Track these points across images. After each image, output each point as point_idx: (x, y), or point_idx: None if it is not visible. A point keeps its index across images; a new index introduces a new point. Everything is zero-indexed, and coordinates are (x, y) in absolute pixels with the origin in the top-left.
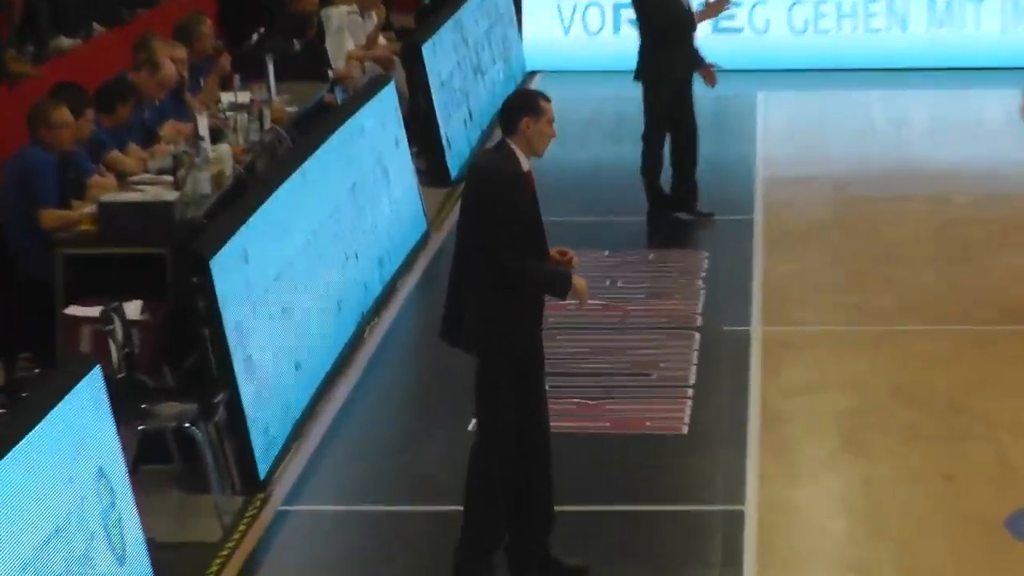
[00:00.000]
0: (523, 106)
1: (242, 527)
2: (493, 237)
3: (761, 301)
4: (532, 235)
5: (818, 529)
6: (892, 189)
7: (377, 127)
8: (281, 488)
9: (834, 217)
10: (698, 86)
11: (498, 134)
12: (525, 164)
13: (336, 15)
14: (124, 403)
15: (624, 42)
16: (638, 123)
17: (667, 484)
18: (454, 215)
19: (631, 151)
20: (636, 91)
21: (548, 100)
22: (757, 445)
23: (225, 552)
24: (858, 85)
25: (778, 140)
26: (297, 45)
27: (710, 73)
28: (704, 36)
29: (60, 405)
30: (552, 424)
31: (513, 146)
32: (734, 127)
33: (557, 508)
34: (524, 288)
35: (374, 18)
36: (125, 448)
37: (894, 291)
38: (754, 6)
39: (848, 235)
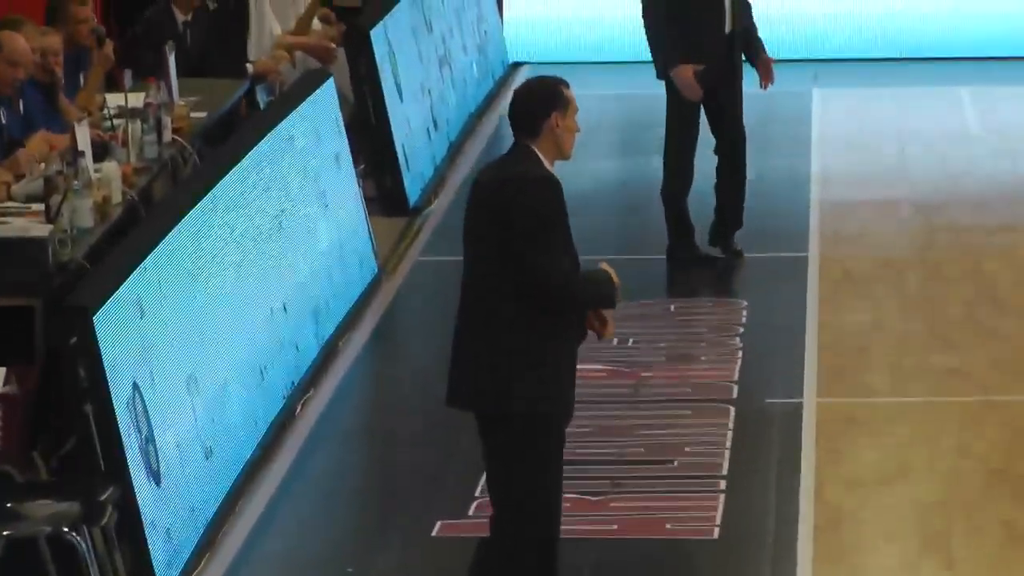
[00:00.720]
0: (548, 99)
1: None
2: (528, 243)
3: (816, 364)
4: (570, 262)
5: None
6: (991, 216)
7: (311, 139)
8: None
9: (914, 253)
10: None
11: (474, 148)
12: (553, 172)
13: None
14: None
15: (637, 23)
16: (659, 129)
17: None
18: (414, 253)
19: (648, 167)
20: (656, 88)
21: (568, 85)
22: (810, 552)
23: None
24: (945, 79)
25: (840, 151)
26: None
27: (767, 67)
28: None
29: None
30: None
31: (536, 151)
32: (782, 134)
33: None
34: (567, 306)
35: None
36: None
37: (995, 350)
38: None
39: (933, 276)
